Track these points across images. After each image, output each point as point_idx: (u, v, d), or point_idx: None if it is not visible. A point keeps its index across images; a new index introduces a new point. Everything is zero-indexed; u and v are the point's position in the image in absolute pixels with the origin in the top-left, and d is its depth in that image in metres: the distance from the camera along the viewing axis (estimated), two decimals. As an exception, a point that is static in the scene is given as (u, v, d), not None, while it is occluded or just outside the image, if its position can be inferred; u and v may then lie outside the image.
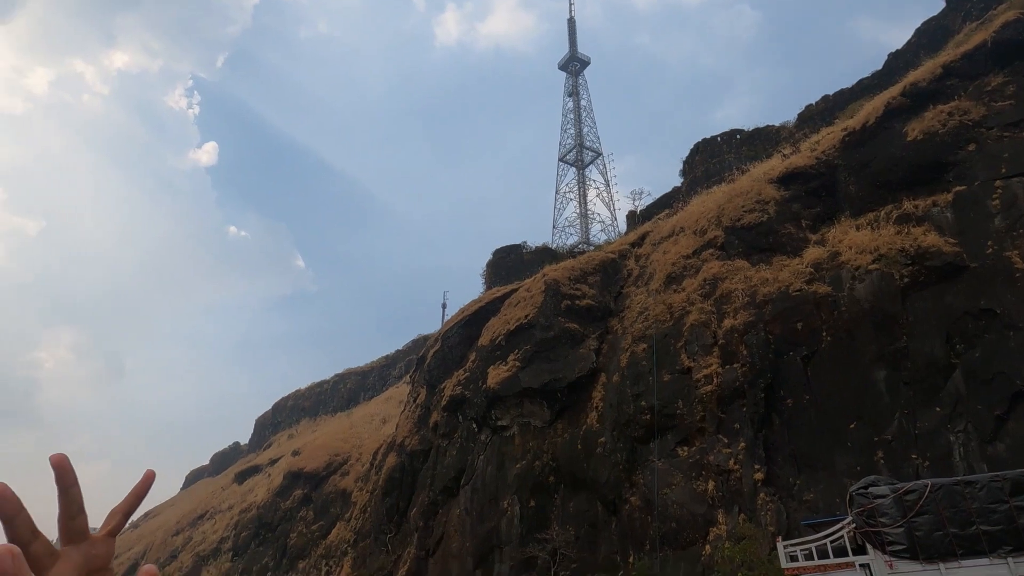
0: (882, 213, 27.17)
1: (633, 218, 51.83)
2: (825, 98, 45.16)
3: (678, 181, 50.89)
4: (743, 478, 23.80)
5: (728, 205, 33.31)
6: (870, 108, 31.15)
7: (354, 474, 54.99)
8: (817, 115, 43.98)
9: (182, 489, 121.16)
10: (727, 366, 26.38)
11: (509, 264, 50.50)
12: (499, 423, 33.61)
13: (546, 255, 49.37)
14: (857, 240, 26.45)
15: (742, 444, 24.52)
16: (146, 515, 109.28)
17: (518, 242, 53.88)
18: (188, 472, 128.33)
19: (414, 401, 45.71)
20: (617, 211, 71.48)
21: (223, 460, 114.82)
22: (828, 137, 32.90)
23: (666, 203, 47.90)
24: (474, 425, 35.45)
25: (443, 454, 37.13)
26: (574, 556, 27.80)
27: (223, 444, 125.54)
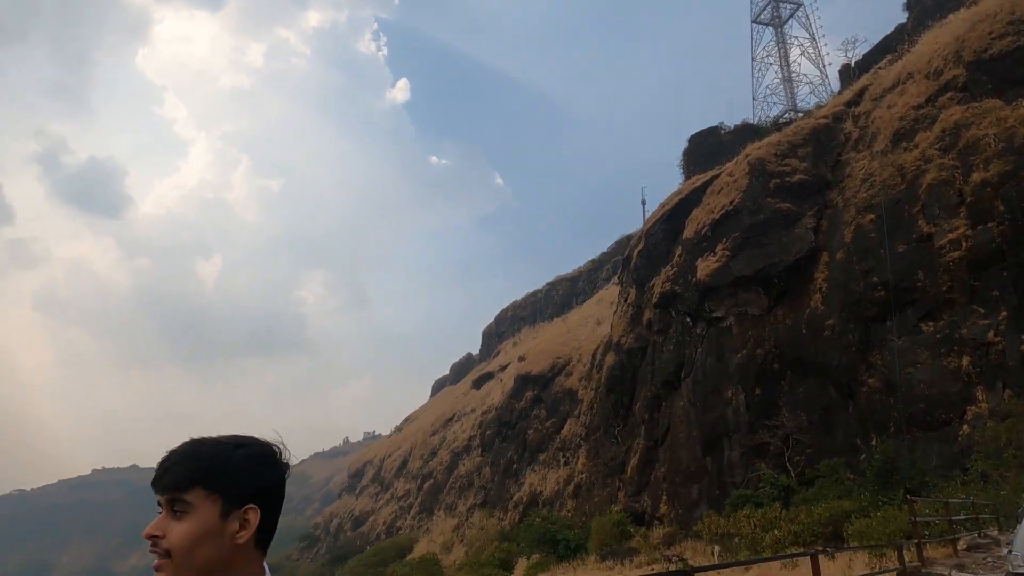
0: None
1: (847, 72, 45.36)
2: None
3: (901, 18, 43.15)
4: (1007, 351, 21.01)
5: (970, 34, 27.82)
6: None
7: (577, 374, 58.05)
8: None
9: (431, 397, 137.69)
10: (979, 227, 22.88)
11: (707, 149, 47.55)
12: (713, 315, 32.97)
13: (747, 132, 45.59)
14: None
15: (1004, 313, 21.50)
16: (406, 420, 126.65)
17: (715, 124, 50.29)
18: (433, 381, 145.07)
19: (625, 301, 46.35)
20: (827, 67, 62.82)
21: (460, 369, 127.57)
22: (1113, -84, 25.57)
23: (888, 47, 41.02)
24: (688, 319, 35.19)
25: (660, 350, 37.57)
26: (808, 441, 27.11)
27: (458, 355, 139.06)
